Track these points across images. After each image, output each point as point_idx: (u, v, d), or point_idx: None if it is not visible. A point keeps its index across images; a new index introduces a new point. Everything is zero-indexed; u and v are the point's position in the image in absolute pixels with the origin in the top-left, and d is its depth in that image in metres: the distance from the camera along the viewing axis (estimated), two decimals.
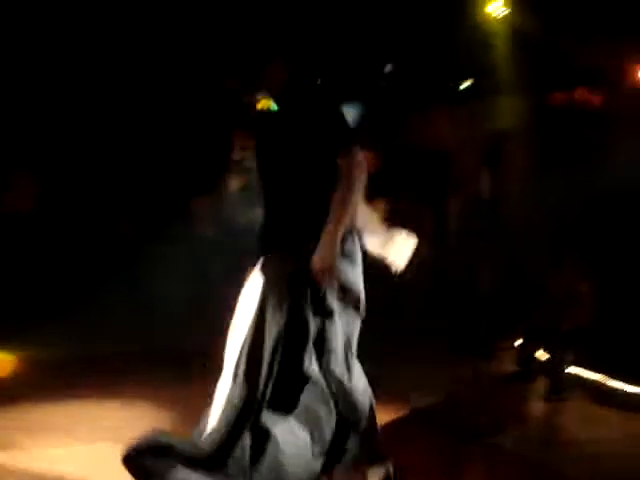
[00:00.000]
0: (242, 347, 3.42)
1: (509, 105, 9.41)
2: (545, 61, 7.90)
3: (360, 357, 3.60)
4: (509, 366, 6.74)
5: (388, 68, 9.42)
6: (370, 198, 3.98)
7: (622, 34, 6.84)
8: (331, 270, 3.28)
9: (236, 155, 10.65)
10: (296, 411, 3.40)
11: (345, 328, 3.47)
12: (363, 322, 3.60)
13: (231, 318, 3.58)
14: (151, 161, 9.09)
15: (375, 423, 3.59)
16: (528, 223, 7.76)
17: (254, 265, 3.66)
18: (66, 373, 5.69)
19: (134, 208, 8.88)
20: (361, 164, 3.35)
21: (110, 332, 7.01)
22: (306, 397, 3.40)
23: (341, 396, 3.43)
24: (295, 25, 3.85)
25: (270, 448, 3.30)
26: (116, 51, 8.85)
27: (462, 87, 9.47)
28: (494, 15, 7.18)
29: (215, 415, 3.37)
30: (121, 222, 8.77)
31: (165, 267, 8.18)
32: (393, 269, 3.89)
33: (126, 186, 8.88)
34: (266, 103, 10.67)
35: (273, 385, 3.34)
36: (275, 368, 3.33)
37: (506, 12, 7.19)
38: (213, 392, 3.46)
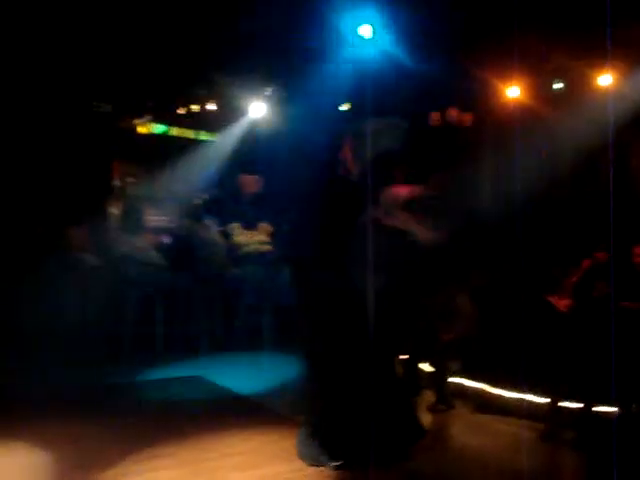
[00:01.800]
0: None
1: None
2: (418, 84, 8.15)
3: None
4: None
5: None
6: None
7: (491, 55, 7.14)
8: None
9: (117, 181, 10.50)
10: None
11: None
12: None
13: None
14: (27, 189, 8.76)
15: None
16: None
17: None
18: None
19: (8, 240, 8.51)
20: None
21: None
22: None
23: None
24: None
25: None
26: None
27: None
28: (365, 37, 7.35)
29: None
30: None
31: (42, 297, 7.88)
32: None
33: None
34: (148, 127, 10.62)
35: None
36: None
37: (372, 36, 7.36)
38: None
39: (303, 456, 4.62)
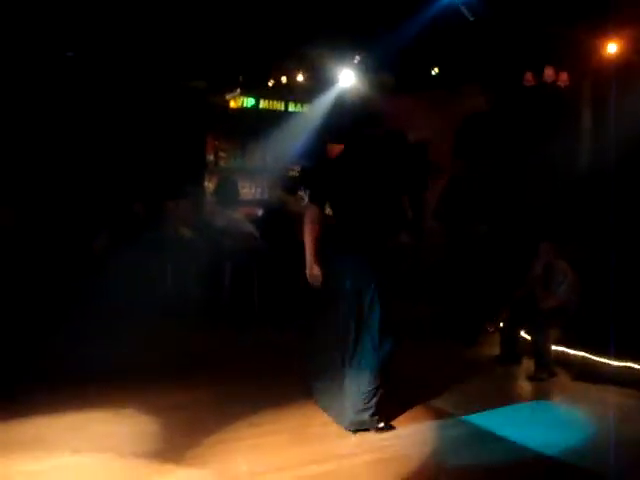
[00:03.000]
0: None
1: (478, 91, 9.46)
2: (513, 43, 7.93)
3: None
4: (494, 349, 6.76)
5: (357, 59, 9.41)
6: None
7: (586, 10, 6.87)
8: None
9: (210, 156, 10.71)
10: None
11: None
12: None
13: None
14: (125, 168, 9.03)
15: None
16: (502, 205, 7.84)
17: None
18: (50, 385, 5.58)
19: (113, 218, 8.80)
20: None
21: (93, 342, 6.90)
22: None
23: None
24: None
25: None
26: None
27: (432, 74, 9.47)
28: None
29: None
30: (99, 236, 8.65)
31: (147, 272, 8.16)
32: None
33: (102, 196, 8.80)
34: (238, 101, 10.74)
35: None
36: None
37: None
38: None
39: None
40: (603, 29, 7.18)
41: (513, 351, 6.54)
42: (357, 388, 4.56)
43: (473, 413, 5.02)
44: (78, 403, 4.95)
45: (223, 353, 6.60)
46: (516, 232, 7.62)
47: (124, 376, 5.57)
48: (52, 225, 8.12)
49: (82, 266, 7.76)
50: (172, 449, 4.26)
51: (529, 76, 8.34)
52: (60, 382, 5.37)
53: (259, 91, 10.63)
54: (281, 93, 10.71)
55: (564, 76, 8.07)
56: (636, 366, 5.73)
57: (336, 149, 10.60)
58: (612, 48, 7.30)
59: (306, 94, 10.60)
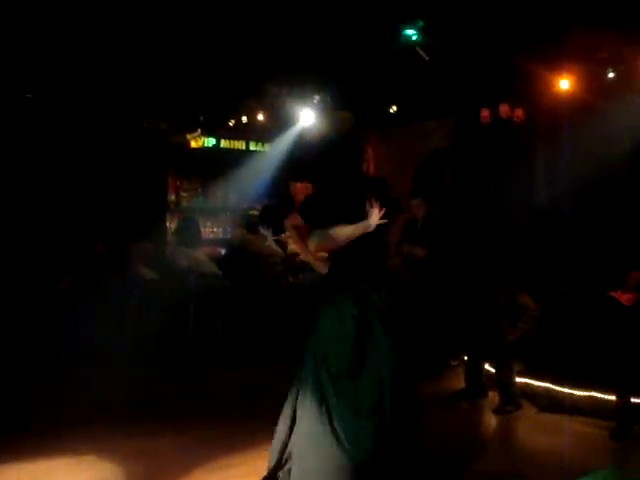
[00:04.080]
0: None
1: (435, 128, 9.63)
2: (469, 80, 8.10)
3: None
4: (459, 383, 6.78)
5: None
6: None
7: (539, 47, 7.05)
8: None
9: (171, 196, 10.68)
10: None
11: None
12: None
13: None
14: (85, 208, 8.96)
15: None
16: (462, 241, 7.92)
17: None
18: (11, 433, 5.45)
19: (72, 259, 8.71)
20: None
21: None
22: None
23: None
24: None
25: None
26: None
27: (390, 111, 9.62)
28: (412, 40, 7.33)
29: None
30: (62, 276, 8.54)
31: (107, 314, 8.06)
32: None
33: (63, 237, 8.71)
34: (199, 141, 10.76)
35: None
36: None
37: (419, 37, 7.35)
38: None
39: None
40: (556, 65, 7.38)
41: (478, 384, 6.57)
42: None
43: (440, 448, 5.01)
44: (41, 451, 4.83)
45: (186, 397, 6.50)
46: (476, 266, 7.70)
47: (88, 422, 5.48)
48: (13, 266, 8.01)
49: (45, 307, 7.65)
50: None
51: (485, 113, 8.52)
52: (21, 429, 5.28)
53: (220, 131, 10.66)
54: (242, 132, 10.76)
55: (519, 112, 8.26)
56: (599, 395, 5.79)
57: (298, 187, 10.67)
58: (564, 84, 7.50)
59: (267, 133, 10.67)
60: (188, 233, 8.18)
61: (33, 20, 6.96)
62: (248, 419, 5.45)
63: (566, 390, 6.00)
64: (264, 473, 4.45)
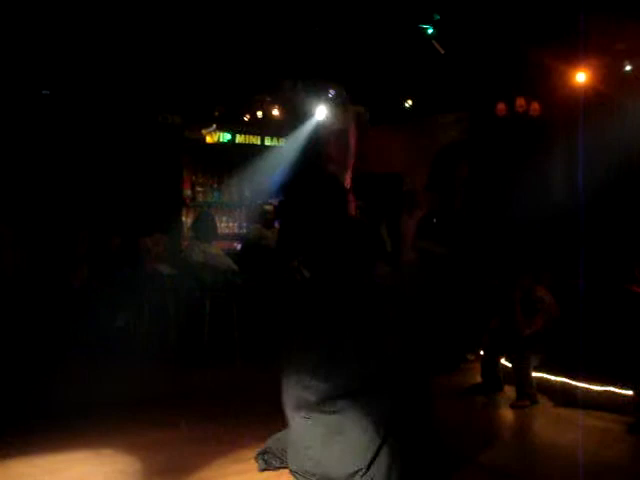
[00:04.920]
0: None
1: (452, 122, 9.60)
2: (485, 74, 8.07)
3: None
4: (476, 378, 6.78)
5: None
6: None
7: (555, 40, 7.01)
8: None
9: (187, 191, 10.71)
10: None
11: None
12: None
13: None
14: (102, 203, 9.02)
15: None
16: (479, 236, 7.91)
17: None
18: (28, 427, 5.50)
19: (90, 252, 8.77)
20: None
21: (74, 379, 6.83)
22: None
23: None
24: None
25: None
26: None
27: (406, 106, 9.60)
28: (428, 33, 7.30)
29: None
30: (77, 271, 8.61)
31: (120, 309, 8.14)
32: None
33: (80, 232, 8.78)
34: (214, 136, 10.79)
35: None
36: None
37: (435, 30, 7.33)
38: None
39: None
40: (572, 59, 7.33)
41: (495, 379, 6.56)
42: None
43: (458, 443, 5.01)
44: (58, 444, 4.87)
45: (204, 390, 6.55)
46: (494, 260, 7.69)
47: (103, 415, 5.53)
48: (30, 259, 8.08)
49: (60, 300, 7.71)
50: None
51: (501, 106, 8.48)
52: (38, 422, 5.32)
53: (235, 126, 10.68)
54: (257, 127, 10.78)
55: (535, 106, 8.21)
56: (616, 390, 5.77)
57: None
58: (581, 77, 7.45)
59: (282, 128, 10.67)
60: (204, 228, 8.19)
61: (49, 17, 7.00)
62: (267, 412, 5.46)
63: (583, 385, 5.98)
64: (281, 467, 4.50)
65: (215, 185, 11.01)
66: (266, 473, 4.47)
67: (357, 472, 4.04)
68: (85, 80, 8.52)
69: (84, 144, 9.06)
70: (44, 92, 8.84)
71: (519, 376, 6.20)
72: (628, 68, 7.31)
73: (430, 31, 7.34)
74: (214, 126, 10.56)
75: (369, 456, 4.05)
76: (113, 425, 5.29)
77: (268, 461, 4.53)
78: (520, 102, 8.23)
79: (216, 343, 7.66)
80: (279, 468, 4.47)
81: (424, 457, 4.26)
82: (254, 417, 5.48)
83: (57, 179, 8.81)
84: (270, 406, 5.34)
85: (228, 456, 4.73)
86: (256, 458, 4.57)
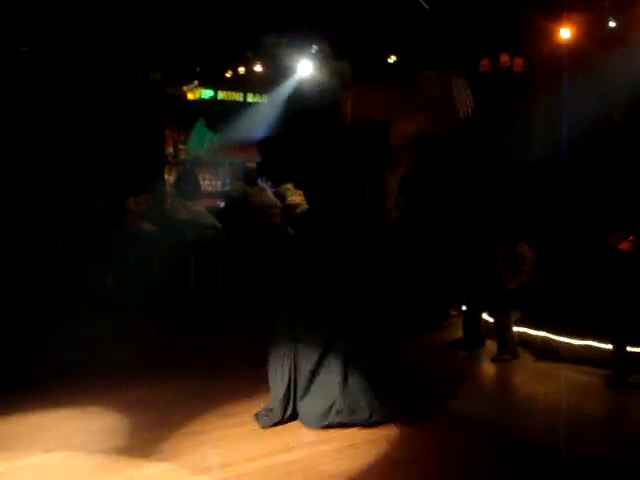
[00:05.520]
0: None
1: (435, 76, 9.55)
2: (469, 30, 8.02)
3: None
4: (458, 332, 6.86)
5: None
6: None
7: None
8: None
9: (170, 149, 10.64)
10: None
11: None
12: None
13: None
14: (83, 162, 8.93)
15: None
16: (460, 192, 7.94)
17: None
18: (16, 384, 5.53)
19: (73, 213, 8.72)
20: None
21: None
22: None
23: None
24: None
25: None
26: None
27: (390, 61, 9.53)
28: None
29: None
30: (62, 233, 8.56)
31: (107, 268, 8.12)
32: None
33: (61, 191, 8.70)
34: (196, 93, 10.66)
35: None
36: None
37: None
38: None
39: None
40: (556, 15, 7.29)
41: (476, 334, 6.65)
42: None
43: (437, 396, 5.10)
44: (45, 402, 4.91)
45: (188, 348, 6.59)
46: (476, 217, 7.73)
47: (89, 373, 5.59)
48: (12, 221, 8.02)
49: (45, 262, 7.69)
50: (141, 444, 4.25)
51: (485, 62, 8.45)
52: (24, 382, 5.36)
53: (217, 82, 10.58)
54: (239, 84, 10.68)
55: (519, 62, 8.19)
56: (596, 344, 5.87)
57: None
58: (565, 34, 7.42)
59: (265, 84, 10.58)
60: (187, 186, 8.17)
61: None
62: (250, 370, 5.52)
63: (563, 339, 6.07)
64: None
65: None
66: (251, 426, 4.54)
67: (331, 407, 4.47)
68: (64, 37, 8.37)
69: (64, 103, 8.94)
70: (22, 49, 8.69)
71: (500, 331, 6.29)
72: (612, 25, 7.29)
73: None
74: (196, 82, 10.45)
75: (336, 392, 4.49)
76: (98, 383, 5.34)
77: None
78: (504, 58, 8.21)
79: (201, 301, 7.70)
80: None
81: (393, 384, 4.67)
82: (238, 374, 5.55)
83: (38, 139, 8.70)
84: (255, 363, 5.44)
85: (213, 411, 4.80)
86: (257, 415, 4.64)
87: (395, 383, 4.71)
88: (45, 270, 7.61)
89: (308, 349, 4.56)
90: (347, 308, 4.64)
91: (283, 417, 4.55)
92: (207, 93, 10.64)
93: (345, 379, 4.53)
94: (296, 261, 4.86)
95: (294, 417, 4.59)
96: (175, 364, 5.95)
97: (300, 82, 9.78)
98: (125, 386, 5.30)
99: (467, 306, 6.83)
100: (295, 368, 4.58)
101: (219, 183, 10.90)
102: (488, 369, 6.16)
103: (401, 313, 7.53)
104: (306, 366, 4.55)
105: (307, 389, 4.57)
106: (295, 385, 4.59)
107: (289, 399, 4.58)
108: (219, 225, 8.04)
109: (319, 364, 4.54)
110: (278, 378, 4.61)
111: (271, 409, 4.60)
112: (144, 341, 6.67)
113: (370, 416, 4.50)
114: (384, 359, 4.70)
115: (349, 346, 4.57)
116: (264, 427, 4.50)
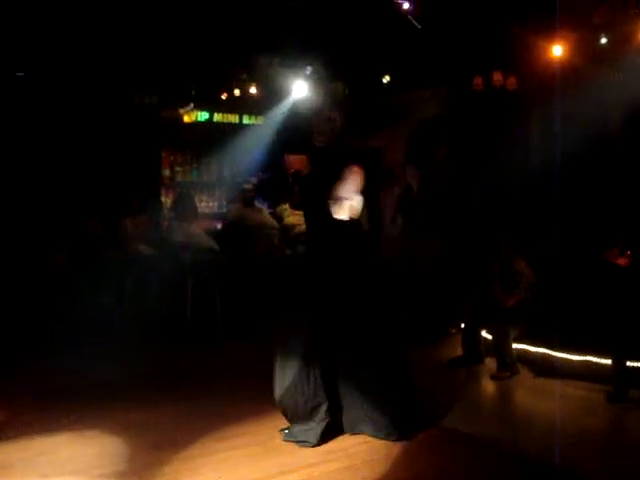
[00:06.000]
0: None
1: (429, 97, 9.62)
2: (462, 49, 8.08)
3: None
4: (457, 350, 6.85)
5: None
6: None
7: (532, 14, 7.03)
8: None
9: (166, 171, 10.67)
10: None
11: None
12: None
13: None
14: (80, 185, 8.96)
15: None
16: (458, 210, 7.96)
17: None
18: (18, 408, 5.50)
19: (69, 237, 8.72)
20: None
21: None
22: None
23: None
24: None
25: None
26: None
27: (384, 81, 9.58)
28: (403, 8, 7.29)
29: None
30: (57, 254, 8.57)
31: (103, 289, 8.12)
32: None
33: (58, 213, 8.72)
34: (192, 115, 10.72)
35: None
36: None
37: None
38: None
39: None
40: (548, 32, 7.35)
41: (476, 351, 6.64)
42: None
43: (437, 414, 5.09)
44: (43, 426, 4.87)
45: (187, 369, 6.56)
46: (472, 234, 7.75)
47: (88, 396, 5.53)
48: (8, 242, 8.03)
49: (41, 283, 7.68)
50: (141, 468, 4.22)
51: (478, 80, 8.51)
52: (22, 405, 5.32)
53: (212, 104, 10.63)
54: (235, 106, 10.73)
55: (512, 79, 8.25)
56: (595, 359, 5.86)
57: (292, 159, 10.63)
58: (557, 51, 7.47)
59: (260, 106, 10.64)
60: (184, 208, 8.18)
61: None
62: (249, 390, 5.50)
63: (562, 355, 6.06)
64: (267, 443, 4.56)
65: (194, 164, 10.97)
66: (252, 448, 4.51)
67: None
68: (60, 62, 8.43)
69: (61, 126, 8.98)
70: (18, 74, 8.73)
71: (499, 348, 6.28)
72: (603, 41, 7.34)
73: (406, 6, 7.32)
74: (191, 105, 10.51)
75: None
76: (96, 406, 5.29)
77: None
78: (497, 76, 8.27)
79: (199, 322, 7.68)
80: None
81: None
82: (237, 395, 5.51)
83: (34, 162, 8.73)
84: (253, 384, 5.43)
85: (212, 433, 4.77)
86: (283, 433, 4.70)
87: (397, 400, 4.70)
88: (41, 292, 7.59)
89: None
90: (346, 325, 4.65)
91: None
92: (203, 115, 10.69)
93: (346, 395, 4.61)
94: (297, 281, 4.88)
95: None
96: (172, 386, 5.92)
97: (295, 104, 9.85)
98: (123, 408, 5.26)
99: (466, 324, 6.82)
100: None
101: (215, 204, 10.93)
102: (488, 386, 6.14)
103: (401, 330, 7.56)
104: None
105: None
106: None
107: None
108: (216, 247, 8.04)
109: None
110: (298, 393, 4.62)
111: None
112: (142, 363, 6.63)
113: (373, 431, 4.57)
114: (389, 376, 4.72)
115: (349, 362, 4.61)
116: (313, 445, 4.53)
